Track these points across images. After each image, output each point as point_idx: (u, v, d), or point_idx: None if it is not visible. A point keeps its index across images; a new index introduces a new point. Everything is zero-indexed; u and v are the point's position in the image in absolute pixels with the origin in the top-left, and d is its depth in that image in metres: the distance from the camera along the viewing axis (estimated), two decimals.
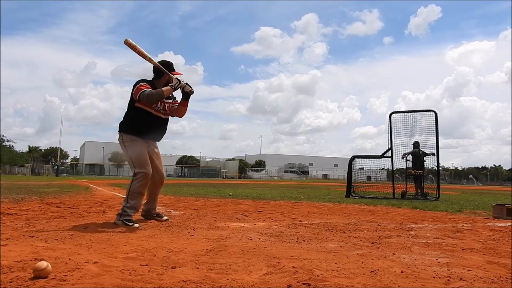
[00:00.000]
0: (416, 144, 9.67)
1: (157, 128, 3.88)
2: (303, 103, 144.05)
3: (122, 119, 3.80)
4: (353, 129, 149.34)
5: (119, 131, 3.77)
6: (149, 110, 3.71)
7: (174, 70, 3.86)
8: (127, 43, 3.63)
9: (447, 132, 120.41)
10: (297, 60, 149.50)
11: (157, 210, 4.11)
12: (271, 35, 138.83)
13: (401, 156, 9.63)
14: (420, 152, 9.62)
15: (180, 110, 3.94)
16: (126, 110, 3.79)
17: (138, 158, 3.66)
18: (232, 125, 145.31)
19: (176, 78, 3.71)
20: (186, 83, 3.74)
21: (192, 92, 3.80)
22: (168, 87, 3.67)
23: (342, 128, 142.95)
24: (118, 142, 3.83)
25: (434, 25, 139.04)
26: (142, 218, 3.98)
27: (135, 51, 3.66)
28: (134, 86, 3.67)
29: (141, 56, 3.70)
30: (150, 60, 3.73)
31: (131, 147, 3.70)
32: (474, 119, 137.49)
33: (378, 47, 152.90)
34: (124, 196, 3.71)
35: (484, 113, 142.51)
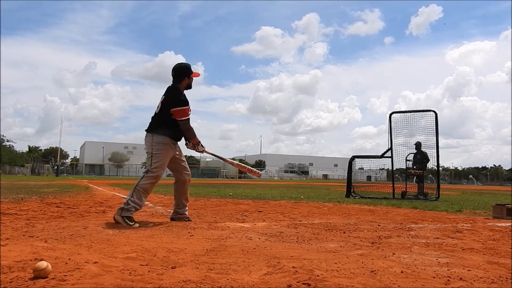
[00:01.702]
0: (418, 145, 9.68)
1: (180, 131, 3.93)
2: (304, 103, 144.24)
3: (154, 121, 3.85)
4: (353, 129, 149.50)
5: (152, 132, 3.81)
6: (175, 117, 3.78)
7: (192, 72, 3.92)
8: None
9: (447, 132, 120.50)
10: (298, 60, 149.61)
11: (188, 213, 4.11)
12: (272, 35, 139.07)
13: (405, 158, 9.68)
14: (419, 156, 9.63)
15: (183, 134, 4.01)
16: (158, 113, 3.83)
17: (159, 158, 3.74)
18: (232, 125, 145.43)
19: (204, 149, 4.06)
20: (202, 151, 4.08)
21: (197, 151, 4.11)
22: (197, 141, 3.96)
23: (342, 128, 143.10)
24: (146, 141, 3.84)
25: (435, 25, 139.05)
26: (172, 220, 3.94)
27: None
28: (180, 103, 3.76)
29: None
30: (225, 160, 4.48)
31: (159, 147, 3.75)
32: (475, 119, 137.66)
33: (378, 47, 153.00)
34: (130, 191, 3.71)
35: (485, 113, 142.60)
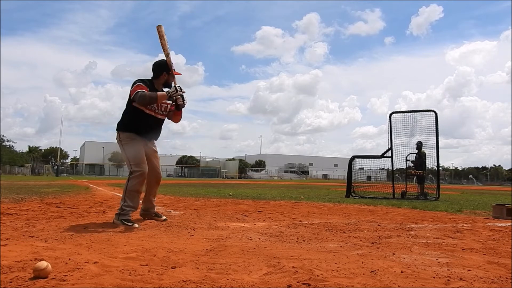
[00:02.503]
0: (419, 144, 9.68)
1: (153, 127, 3.88)
2: (304, 103, 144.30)
3: (120, 118, 3.80)
4: (353, 129, 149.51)
5: (117, 130, 3.78)
6: (145, 110, 3.69)
7: (174, 70, 3.85)
8: (159, 29, 3.73)
9: (447, 132, 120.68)
10: (298, 60, 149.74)
11: (156, 210, 4.11)
12: (272, 35, 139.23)
13: (405, 158, 9.69)
14: (420, 154, 9.65)
15: (173, 117, 3.96)
16: (124, 109, 3.79)
17: (134, 156, 3.66)
18: (232, 125, 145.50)
19: (176, 86, 3.71)
20: (182, 95, 3.73)
21: (183, 105, 3.79)
22: (164, 92, 3.66)
23: (342, 128, 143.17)
24: (116, 141, 3.83)
25: (435, 25, 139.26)
26: (140, 217, 3.99)
27: (160, 40, 3.74)
28: (132, 85, 3.66)
29: (162, 47, 3.75)
30: (167, 55, 3.77)
31: (128, 145, 3.70)
32: (475, 119, 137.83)
33: (379, 47, 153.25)
34: (122, 196, 3.72)
35: (485, 113, 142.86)
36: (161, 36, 3.75)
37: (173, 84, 3.74)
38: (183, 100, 3.76)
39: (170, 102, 3.85)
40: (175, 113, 3.93)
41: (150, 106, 3.69)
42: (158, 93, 3.64)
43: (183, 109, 3.88)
